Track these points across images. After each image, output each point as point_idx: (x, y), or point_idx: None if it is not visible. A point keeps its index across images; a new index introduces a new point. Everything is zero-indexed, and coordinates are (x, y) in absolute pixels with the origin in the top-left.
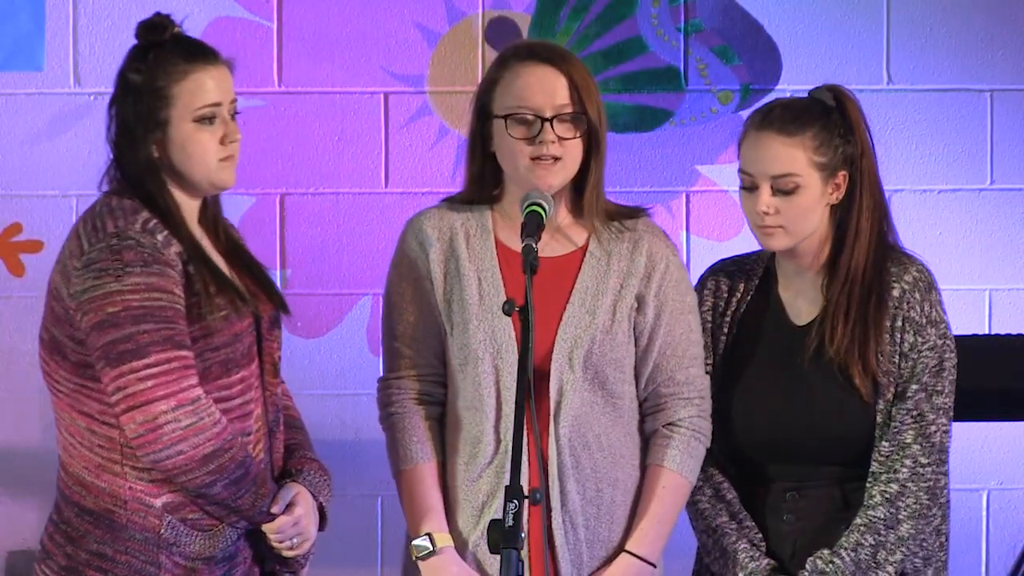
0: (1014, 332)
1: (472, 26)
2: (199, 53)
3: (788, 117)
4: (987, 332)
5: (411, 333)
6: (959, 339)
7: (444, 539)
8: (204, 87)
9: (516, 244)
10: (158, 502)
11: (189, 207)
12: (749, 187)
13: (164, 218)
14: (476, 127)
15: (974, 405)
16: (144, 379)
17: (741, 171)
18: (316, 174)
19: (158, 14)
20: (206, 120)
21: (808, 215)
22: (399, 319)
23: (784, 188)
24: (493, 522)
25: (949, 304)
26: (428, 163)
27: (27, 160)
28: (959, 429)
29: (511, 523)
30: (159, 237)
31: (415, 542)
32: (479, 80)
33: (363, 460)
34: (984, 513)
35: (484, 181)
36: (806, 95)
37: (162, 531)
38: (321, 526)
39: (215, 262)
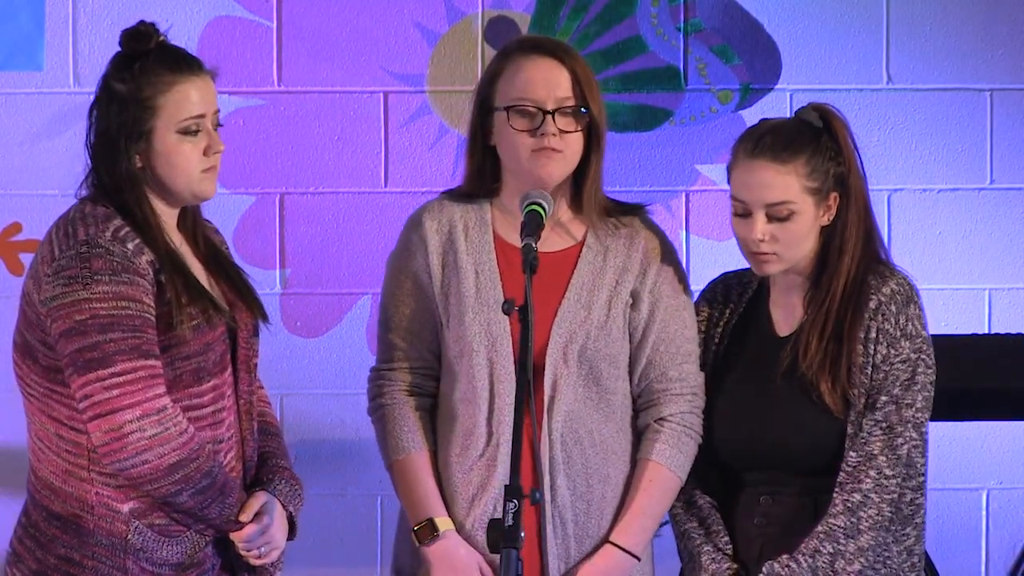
0: (1014, 332)
1: (472, 26)
2: (184, 64)
3: (780, 143)
4: (987, 332)
5: (406, 326)
6: (959, 339)
7: (446, 523)
8: (189, 98)
9: (514, 239)
10: (125, 508)
11: (167, 215)
12: (742, 213)
13: (139, 227)
14: (477, 120)
15: (974, 405)
16: (110, 388)
17: (733, 197)
18: (316, 174)
19: (143, 23)
20: (190, 132)
21: (802, 241)
22: (395, 311)
23: (779, 215)
24: (493, 521)
25: (949, 304)
26: (428, 163)
27: (27, 160)
28: (959, 429)
29: (511, 523)
30: (130, 246)
31: (417, 528)
32: (479, 79)
33: (363, 460)
34: (984, 513)
35: (484, 175)
36: (792, 115)
37: (129, 537)
38: (290, 535)
39: (191, 270)
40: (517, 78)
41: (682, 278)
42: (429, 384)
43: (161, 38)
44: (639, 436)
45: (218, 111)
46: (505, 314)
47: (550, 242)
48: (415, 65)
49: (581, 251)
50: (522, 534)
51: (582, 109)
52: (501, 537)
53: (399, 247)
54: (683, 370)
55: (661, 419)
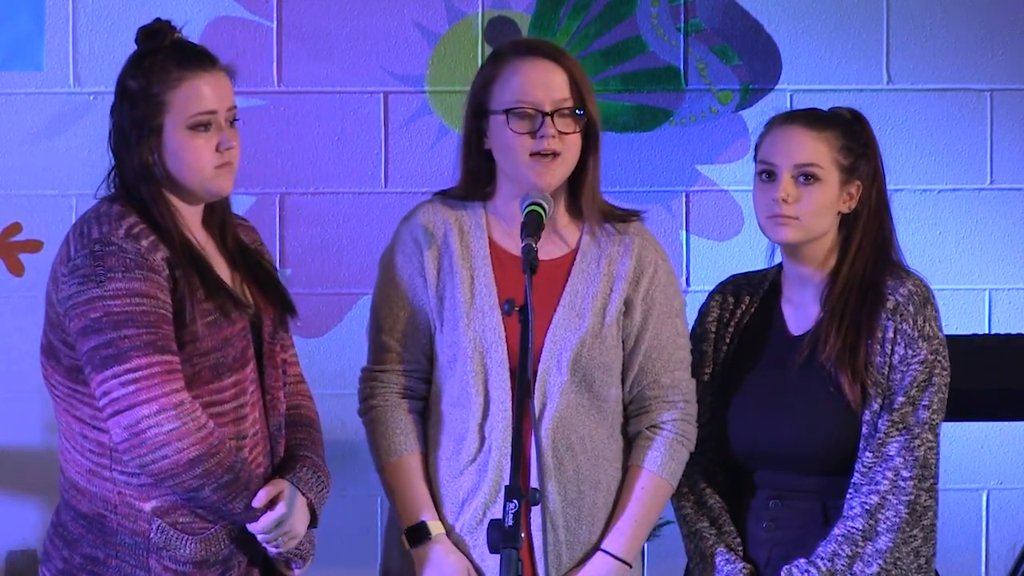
0: (1014, 332)
1: (472, 26)
2: (195, 59)
3: (814, 116)
4: (987, 332)
5: (400, 328)
6: (959, 339)
7: (437, 527)
8: (198, 94)
9: (508, 243)
10: (147, 506)
11: (189, 212)
12: (768, 178)
13: (154, 224)
14: (471, 125)
15: (974, 405)
16: (126, 384)
17: (761, 162)
18: (316, 174)
19: (158, 20)
20: (200, 127)
21: (822, 213)
22: (388, 313)
23: (805, 177)
24: (493, 522)
25: (949, 304)
26: (428, 163)
27: (27, 160)
28: (959, 429)
29: (511, 523)
30: (144, 242)
31: (408, 531)
32: (472, 83)
33: (363, 460)
34: (984, 513)
35: (478, 179)
36: (824, 107)
37: (151, 535)
38: (312, 523)
39: (211, 266)
40: (513, 81)
41: (675, 284)
42: (421, 387)
43: (176, 35)
44: (629, 442)
45: (234, 108)
46: (506, 314)
47: (545, 249)
48: (415, 65)
49: (575, 258)
50: (522, 535)
51: (579, 110)
52: (501, 537)
53: (393, 248)
54: (675, 377)
55: (654, 426)
